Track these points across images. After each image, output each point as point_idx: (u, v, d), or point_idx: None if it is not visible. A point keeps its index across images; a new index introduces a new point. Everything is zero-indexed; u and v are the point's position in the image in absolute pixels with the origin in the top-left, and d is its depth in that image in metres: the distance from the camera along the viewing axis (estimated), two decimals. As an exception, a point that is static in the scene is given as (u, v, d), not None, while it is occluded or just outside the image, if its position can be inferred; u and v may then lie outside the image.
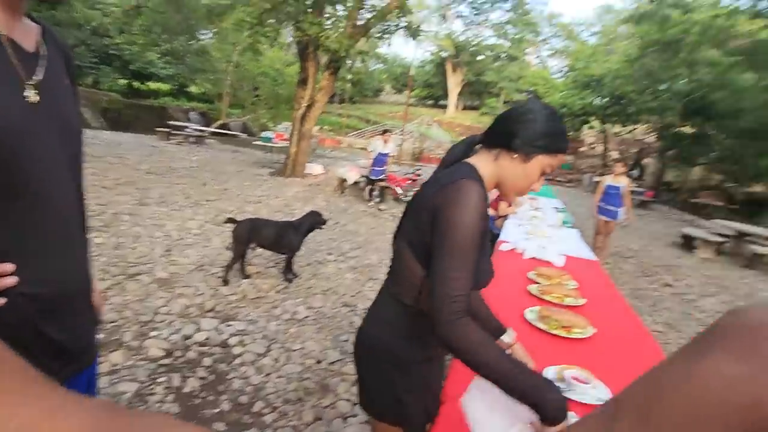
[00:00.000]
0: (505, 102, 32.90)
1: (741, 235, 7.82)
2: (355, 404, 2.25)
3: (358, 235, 5.73)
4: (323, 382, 2.44)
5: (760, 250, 6.96)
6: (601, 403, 1.20)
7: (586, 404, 1.21)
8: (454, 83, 33.14)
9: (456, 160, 1.05)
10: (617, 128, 19.68)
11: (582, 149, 22.06)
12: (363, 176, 8.39)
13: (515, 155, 0.97)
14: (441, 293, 0.84)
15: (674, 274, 5.96)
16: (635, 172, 18.51)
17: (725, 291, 5.44)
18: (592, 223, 6.13)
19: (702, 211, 15.49)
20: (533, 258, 2.82)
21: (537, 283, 2.26)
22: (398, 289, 1.02)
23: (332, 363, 2.63)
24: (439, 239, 0.89)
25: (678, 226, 10.86)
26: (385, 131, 7.71)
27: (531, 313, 1.81)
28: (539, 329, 1.69)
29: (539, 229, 3.82)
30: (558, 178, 19.61)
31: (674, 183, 20.14)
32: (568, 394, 1.24)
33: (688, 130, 16.78)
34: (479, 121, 29.32)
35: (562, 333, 1.66)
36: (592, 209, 6.02)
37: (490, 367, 0.81)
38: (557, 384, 1.27)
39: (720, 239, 7.48)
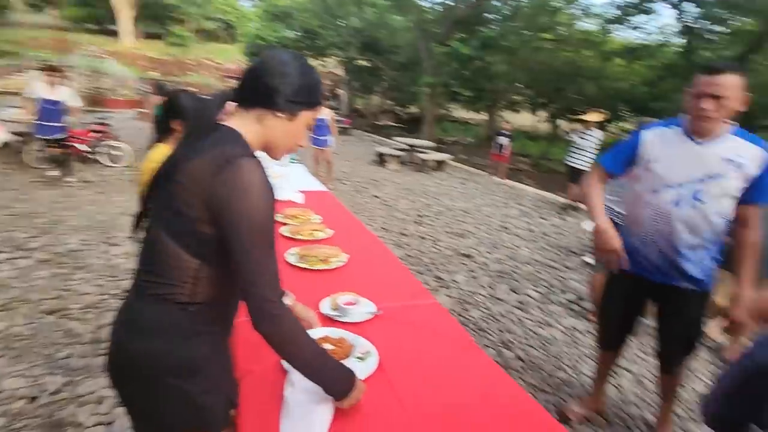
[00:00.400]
0: (197, 32, 29.64)
1: (411, 148, 10.31)
2: (109, 424, 1.86)
3: (36, 217, 4.29)
4: (52, 420, 1.87)
5: (423, 157, 9.44)
6: (371, 315, 1.46)
7: (359, 323, 1.40)
8: (124, 2, 26.72)
9: (209, 122, 0.89)
10: (312, 62, 21.26)
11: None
12: (18, 133, 6.10)
13: (280, 114, 0.90)
14: (258, 291, 0.82)
15: (378, 186, 7.37)
16: (333, 103, 20.94)
17: (410, 192, 7.19)
18: (310, 155, 6.68)
19: (383, 132, 19.40)
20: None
21: (286, 224, 2.33)
22: (166, 289, 0.84)
23: (56, 392, 2.02)
24: (235, 234, 0.81)
25: (372, 146, 13.25)
26: (50, 68, 5.39)
27: (291, 256, 1.87)
28: (303, 268, 1.78)
29: (270, 170, 3.86)
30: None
31: (362, 110, 24.13)
32: (343, 319, 1.40)
33: (365, 63, 19.92)
34: (167, 53, 25.48)
35: (323, 266, 1.81)
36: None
37: (307, 361, 0.90)
38: (333, 312, 1.42)
39: (400, 153, 9.64)
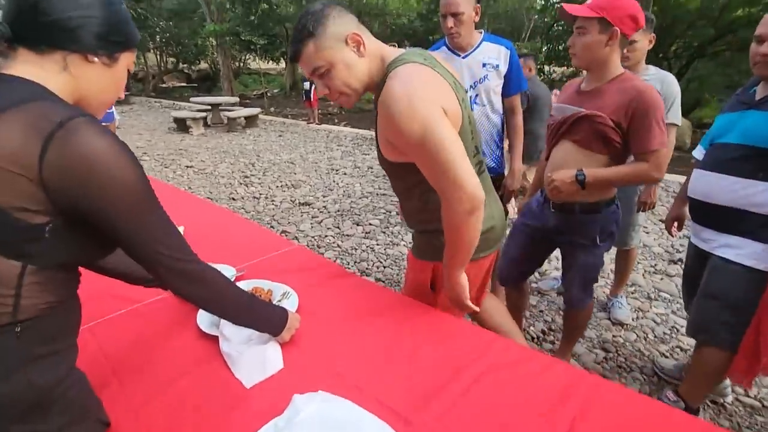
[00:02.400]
0: None
1: (214, 107, 9.33)
2: None
3: None
4: None
5: (231, 115, 8.67)
6: (232, 279, 1.34)
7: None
8: None
9: None
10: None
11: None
12: None
13: (95, 59, 0.69)
14: (170, 255, 0.73)
15: (187, 155, 6.53)
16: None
17: (227, 155, 6.61)
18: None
19: (173, 95, 16.91)
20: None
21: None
22: None
23: None
24: (112, 213, 0.65)
25: (165, 113, 11.47)
26: None
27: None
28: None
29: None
30: None
31: (138, 73, 20.30)
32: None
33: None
34: None
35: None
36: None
37: (239, 309, 0.89)
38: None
39: (202, 114, 8.63)
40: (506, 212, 1.98)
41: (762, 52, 1.27)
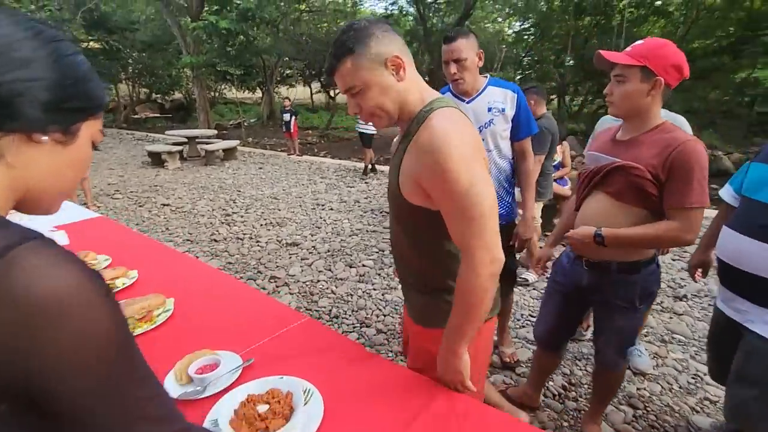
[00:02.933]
0: None
1: (191, 140, 9.06)
2: None
3: None
4: None
5: (209, 147, 8.42)
6: (239, 371, 1.13)
7: (229, 387, 1.06)
8: None
9: None
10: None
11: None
12: None
13: (44, 137, 0.49)
14: None
15: (163, 192, 6.22)
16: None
17: (206, 191, 6.34)
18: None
19: (146, 126, 16.49)
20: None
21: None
22: None
23: None
24: (81, 390, 0.44)
25: (138, 146, 11.10)
26: None
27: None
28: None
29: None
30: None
31: (109, 104, 19.77)
32: (206, 393, 1.04)
33: (96, 45, 16.15)
34: None
35: (146, 327, 1.33)
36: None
37: None
38: (187, 389, 1.04)
39: (178, 148, 8.34)
40: (518, 264, 1.85)
41: None
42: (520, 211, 2.05)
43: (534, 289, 3.16)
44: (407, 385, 1.09)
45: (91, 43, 16.01)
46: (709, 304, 2.94)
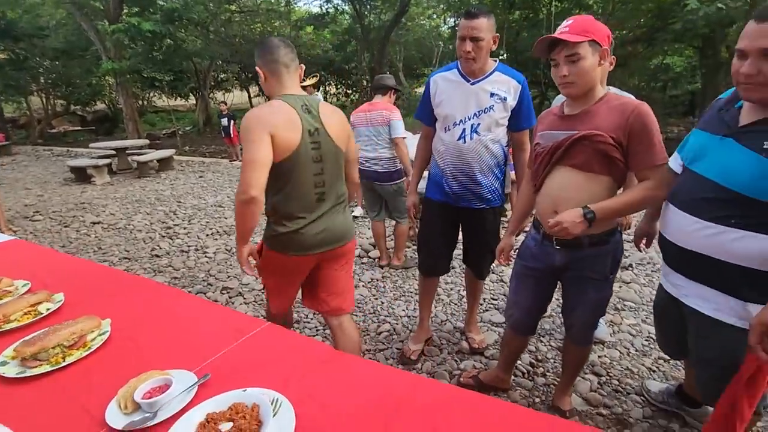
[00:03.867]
0: None
1: (119, 152, 8.37)
2: None
3: None
4: None
5: (141, 158, 7.81)
6: (196, 388, 1.00)
7: (186, 407, 0.93)
8: None
9: None
10: None
11: None
12: None
13: None
14: None
15: (92, 210, 5.68)
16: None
17: (142, 204, 5.87)
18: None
19: (65, 141, 15.05)
20: None
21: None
22: None
23: None
24: None
25: (57, 162, 10.09)
26: None
27: (4, 366, 1.11)
28: (40, 375, 1.08)
29: None
30: None
31: (20, 119, 17.83)
32: (159, 418, 0.91)
33: (1, 55, 14.49)
34: None
35: (79, 354, 1.15)
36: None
37: None
38: (134, 418, 0.90)
39: (106, 161, 7.67)
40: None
41: (745, 72, 1.06)
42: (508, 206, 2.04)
43: (493, 272, 3.20)
44: (383, 381, 1.02)
45: (-7, 53, 14.36)
46: (653, 271, 3.14)
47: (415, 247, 3.74)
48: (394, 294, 2.99)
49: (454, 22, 16.21)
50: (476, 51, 1.76)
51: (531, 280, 1.64)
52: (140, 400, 0.92)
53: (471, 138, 1.88)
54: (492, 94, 1.85)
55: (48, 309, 1.40)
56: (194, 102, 20.11)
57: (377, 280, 3.22)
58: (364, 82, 20.51)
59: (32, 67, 15.04)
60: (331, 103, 7.32)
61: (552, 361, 2.19)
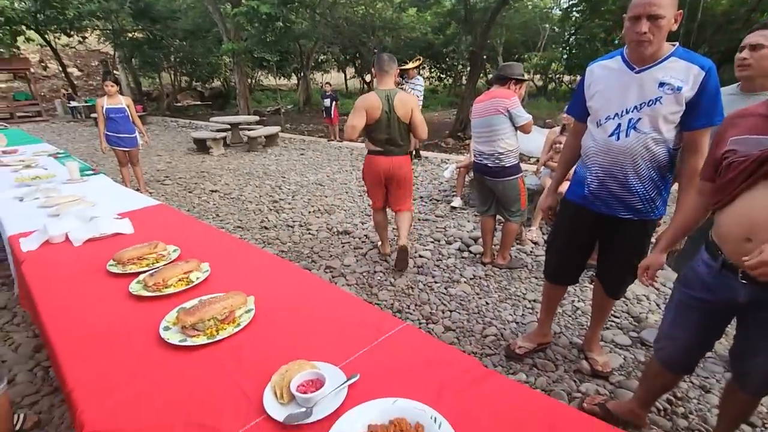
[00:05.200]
0: None
1: (233, 126, 9.11)
2: None
3: None
4: None
5: (251, 134, 8.42)
6: (345, 388, 0.97)
7: (339, 408, 0.90)
8: None
9: None
10: (65, 39, 16.56)
11: (32, 70, 17.44)
12: None
13: None
14: None
15: (210, 178, 6.25)
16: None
17: (252, 177, 6.32)
18: (109, 161, 5.15)
19: (187, 113, 16.84)
20: (90, 241, 1.93)
21: (129, 275, 1.55)
22: None
23: None
24: None
25: (182, 132, 11.32)
26: None
27: (167, 331, 1.19)
28: (188, 347, 1.14)
29: (54, 195, 2.68)
30: (17, 114, 15.10)
31: (153, 92, 20.34)
32: (313, 417, 0.89)
33: (140, 35, 16.52)
34: None
35: (231, 330, 1.20)
36: (101, 141, 5.00)
37: None
38: (291, 410, 0.89)
39: (222, 134, 8.40)
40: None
41: None
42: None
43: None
44: (545, 417, 0.90)
45: (135, 33, 16.42)
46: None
47: (519, 247, 3.54)
48: (499, 295, 2.83)
49: (567, 2, 14.82)
50: (654, 31, 1.46)
51: (696, 313, 1.37)
52: (297, 393, 0.91)
53: (627, 135, 1.61)
54: (661, 84, 1.53)
55: (198, 278, 1.50)
56: (296, 81, 21.21)
57: (480, 278, 3.07)
58: (460, 67, 19.86)
59: (165, 47, 16.93)
60: (425, 87, 7.26)
61: (695, 401, 1.88)
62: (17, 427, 1.64)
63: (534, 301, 2.74)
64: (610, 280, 1.94)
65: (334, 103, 9.07)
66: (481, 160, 3.03)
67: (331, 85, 9.56)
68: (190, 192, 5.56)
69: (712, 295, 1.31)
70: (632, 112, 1.59)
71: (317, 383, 0.95)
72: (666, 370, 1.53)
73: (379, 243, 3.55)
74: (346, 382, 0.97)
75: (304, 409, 0.90)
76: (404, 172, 3.04)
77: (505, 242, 3.20)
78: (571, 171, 2.03)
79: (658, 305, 2.66)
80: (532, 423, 0.87)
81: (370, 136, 2.96)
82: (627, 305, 2.66)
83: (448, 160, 7.00)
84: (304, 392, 0.92)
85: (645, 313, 2.57)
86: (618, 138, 1.64)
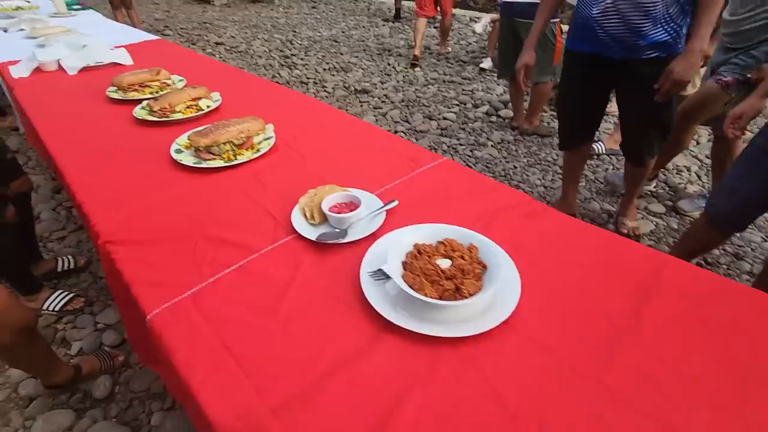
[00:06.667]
0: None
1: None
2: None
3: None
4: None
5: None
6: (383, 214, 0.85)
7: (375, 231, 0.81)
8: None
9: None
10: None
11: None
12: None
13: None
14: None
15: (214, 30, 5.67)
16: None
17: (260, 30, 5.70)
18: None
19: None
20: (86, 70, 1.73)
21: (131, 102, 1.38)
22: None
23: None
24: None
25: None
26: None
27: (180, 154, 1.07)
28: (204, 169, 1.02)
29: (40, 27, 2.38)
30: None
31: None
32: (347, 237, 0.79)
33: None
34: None
35: (250, 155, 1.07)
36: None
37: None
38: (327, 232, 0.80)
39: (222, -20, 7.38)
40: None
41: None
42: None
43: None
44: (614, 253, 0.79)
45: None
46: None
47: (554, 113, 3.25)
48: (528, 160, 2.66)
49: None
50: None
51: None
52: (330, 213, 0.81)
53: None
54: None
55: (208, 106, 1.33)
56: None
57: (508, 142, 2.87)
58: None
59: None
60: None
61: (725, 267, 1.84)
62: (61, 269, 1.67)
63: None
64: (633, 145, 1.73)
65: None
66: None
67: None
68: (193, 44, 5.07)
69: None
70: None
71: (351, 206, 0.84)
72: (712, 227, 1.42)
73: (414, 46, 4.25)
74: (384, 206, 0.86)
75: (338, 230, 0.80)
76: None
77: (535, 106, 2.90)
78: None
79: (699, 177, 2.49)
80: (619, 268, 0.77)
81: None
82: (666, 174, 2.49)
83: (478, 18, 6.17)
84: (338, 213, 0.81)
85: (684, 183, 2.42)
86: None
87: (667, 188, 2.38)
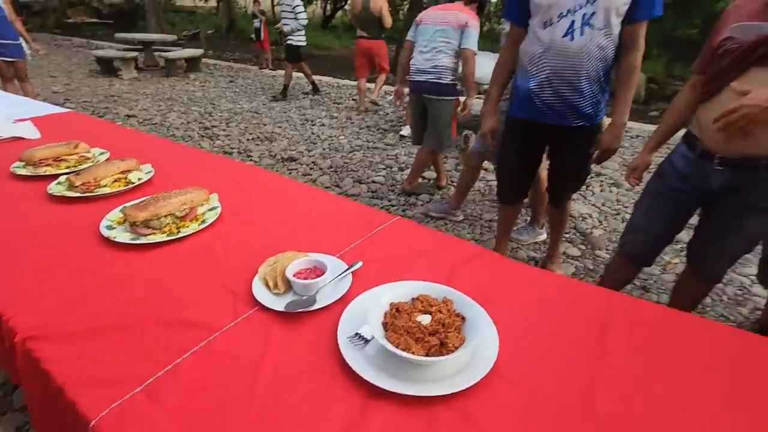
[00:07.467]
0: None
1: (146, 45, 7.89)
2: None
3: None
4: None
5: (170, 56, 7.36)
6: (350, 276, 0.87)
7: (342, 297, 0.79)
8: None
9: None
10: None
11: None
12: None
13: None
14: None
15: (124, 103, 5.42)
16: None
17: (175, 102, 5.59)
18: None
19: (82, 32, 14.31)
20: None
21: (43, 178, 1.25)
22: None
23: None
24: None
25: (80, 53, 9.63)
26: None
27: (112, 230, 0.97)
28: (143, 245, 0.94)
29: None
30: None
31: (34, 5, 16.84)
32: (316, 304, 0.77)
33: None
34: None
35: (195, 227, 1.00)
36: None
37: None
38: (294, 300, 0.76)
39: (132, 54, 7.24)
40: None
41: None
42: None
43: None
44: (569, 293, 0.86)
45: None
46: None
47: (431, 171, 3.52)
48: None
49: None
50: None
51: (671, 204, 1.44)
52: (296, 280, 0.77)
53: (582, 33, 1.52)
54: None
55: (139, 179, 1.24)
56: (215, 4, 18.75)
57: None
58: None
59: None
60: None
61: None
62: None
63: (490, 221, 2.78)
64: (556, 189, 1.98)
65: (262, 24, 8.16)
66: (420, 77, 2.84)
67: (260, 3, 8.54)
68: (100, 116, 4.79)
69: (686, 184, 1.36)
70: (586, 5, 1.48)
71: (317, 271, 0.82)
72: (630, 263, 1.62)
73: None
74: (350, 268, 0.85)
75: (304, 297, 0.77)
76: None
77: (416, 170, 3.11)
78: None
79: (600, 221, 2.84)
80: (556, 296, 0.83)
81: None
82: (574, 222, 2.81)
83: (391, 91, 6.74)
84: (305, 278, 0.79)
85: (590, 228, 2.74)
86: (572, 38, 1.53)
87: (577, 233, 2.68)
